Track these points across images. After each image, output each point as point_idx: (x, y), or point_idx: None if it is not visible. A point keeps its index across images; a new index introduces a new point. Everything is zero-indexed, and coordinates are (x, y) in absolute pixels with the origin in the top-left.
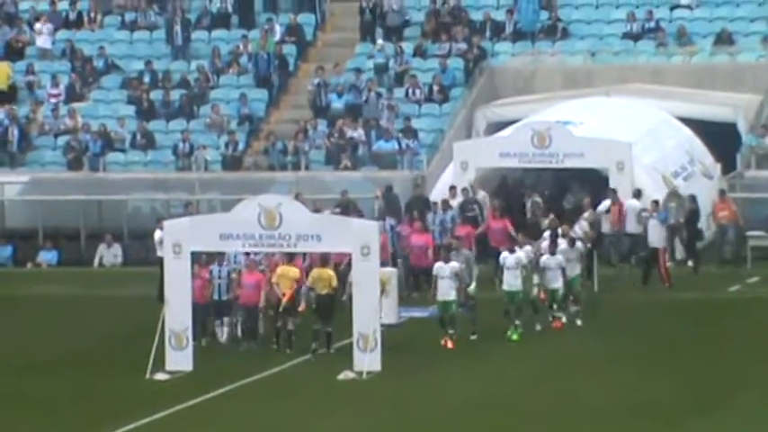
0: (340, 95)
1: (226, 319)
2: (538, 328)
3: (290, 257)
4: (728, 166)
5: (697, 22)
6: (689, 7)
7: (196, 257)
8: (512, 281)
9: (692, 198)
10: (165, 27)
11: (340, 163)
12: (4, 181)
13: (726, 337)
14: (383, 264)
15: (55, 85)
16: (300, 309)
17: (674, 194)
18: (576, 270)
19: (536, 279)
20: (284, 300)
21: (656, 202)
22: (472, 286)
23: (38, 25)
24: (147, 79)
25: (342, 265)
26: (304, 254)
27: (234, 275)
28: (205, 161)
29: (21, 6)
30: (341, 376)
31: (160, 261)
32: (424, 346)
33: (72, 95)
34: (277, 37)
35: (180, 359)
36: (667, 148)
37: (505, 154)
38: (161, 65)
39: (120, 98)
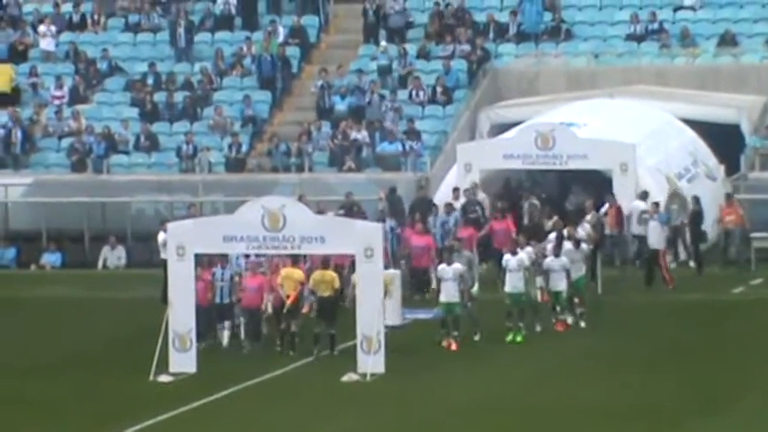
0: (343, 97)
1: (227, 323)
2: (538, 329)
3: (295, 260)
4: (732, 167)
5: (700, 23)
6: (692, 9)
7: (199, 260)
8: (514, 283)
9: (696, 199)
10: (169, 29)
11: (343, 165)
12: (7, 183)
13: (729, 338)
14: (383, 266)
15: (58, 87)
16: (304, 310)
17: (676, 196)
18: (581, 271)
19: (539, 282)
20: (288, 302)
21: (656, 204)
22: (475, 287)
23: (41, 27)
24: (150, 81)
25: (344, 271)
26: (305, 256)
27: (236, 278)
28: (208, 163)
29: (24, 9)
30: (344, 378)
31: (164, 263)
32: (428, 347)
33: (75, 97)
34: (280, 39)
35: (183, 361)
36: (671, 150)
37: (509, 156)
38: (164, 67)
39: (124, 100)
